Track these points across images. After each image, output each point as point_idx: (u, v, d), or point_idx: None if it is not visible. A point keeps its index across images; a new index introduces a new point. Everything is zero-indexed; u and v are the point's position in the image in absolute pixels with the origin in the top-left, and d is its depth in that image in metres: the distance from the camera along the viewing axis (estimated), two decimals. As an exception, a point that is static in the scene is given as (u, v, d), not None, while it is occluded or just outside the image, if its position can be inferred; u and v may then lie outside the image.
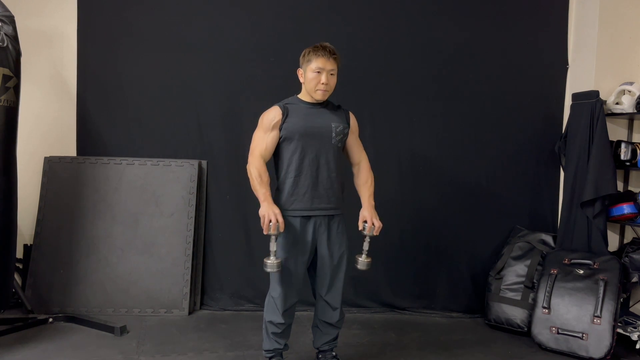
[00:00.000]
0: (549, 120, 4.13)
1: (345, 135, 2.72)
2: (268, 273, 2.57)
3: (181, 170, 3.88)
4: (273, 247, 2.53)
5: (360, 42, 3.96)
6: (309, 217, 2.64)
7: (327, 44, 2.64)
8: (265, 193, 2.55)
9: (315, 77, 2.59)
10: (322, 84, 2.59)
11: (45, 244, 3.69)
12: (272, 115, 2.64)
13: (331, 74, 2.61)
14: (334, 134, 2.66)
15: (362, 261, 2.69)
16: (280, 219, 2.49)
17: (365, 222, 2.69)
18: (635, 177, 3.95)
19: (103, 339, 3.22)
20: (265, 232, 2.49)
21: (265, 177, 2.59)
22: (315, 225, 2.65)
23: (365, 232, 2.68)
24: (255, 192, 2.57)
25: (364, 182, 2.77)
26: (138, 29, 3.87)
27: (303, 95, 2.70)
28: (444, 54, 4.04)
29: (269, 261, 2.53)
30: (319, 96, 2.63)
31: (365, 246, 2.70)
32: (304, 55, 2.65)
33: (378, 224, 2.67)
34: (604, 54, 3.87)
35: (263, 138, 2.63)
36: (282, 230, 2.50)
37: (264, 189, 2.55)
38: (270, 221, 2.47)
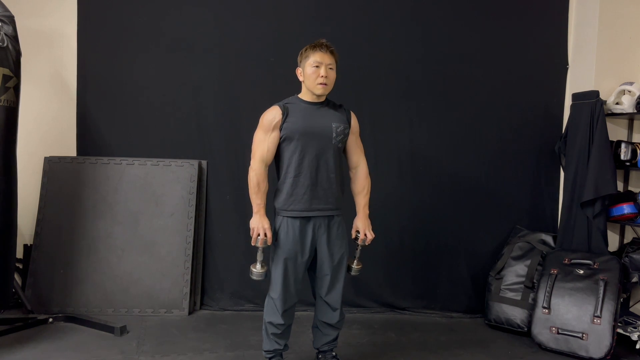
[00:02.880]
0: (549, 120, 4.13)
1: (346, 135, 2.71)
2: (256, 279, 2.67)
3: (181, 170, 3.88)
4: (260, 257, 2.64)
5: (360, 42, 3.95)
6: (308, 218, 2.64)
7: (324, 40, 2.65)
8: (260, 204, 2.61)
9: (314, 71, 2.59)
10: (322, 76, 2.58)
11: (45, 244, 3.70)
12: (271, 115, 2.63)
13: (330, 68, 2.61)
14: (334, 134, 2.65)
15: (354, 268, 2.80)
16: (269, 234, 2.61)
17: (358, 232, 2.77)
18: (635, 177, 3.95)
19: (103, 339, 3.22)
20: (253, 244, 2.60)
21: (264, 186, 2.63)
22: (315, 226, 2.65)
23: (358, 242, 2.78)
24: (251, 200, 2.63)
25: (360, 190, 2.79)
26: (138, 29, 3.87)
27: (303, 95, 2.70)
28: (444, 53, 4.04)
29: (255, 270, 2.64)
30: (320, 90, 2.62)
31: (357, 254, 2.80)
32: (301, 53, 2.66)
33: (371, 235, 2.77)
34: (604, 54, 3.87)
35: (264, 140, 2.62)
36: (269, 244, 2.61)
37: (259, 200, 2.62)
38: (258, 235, 2.58)
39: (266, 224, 2.59)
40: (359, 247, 2.78)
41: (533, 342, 3.37)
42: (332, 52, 2.62)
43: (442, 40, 4.04)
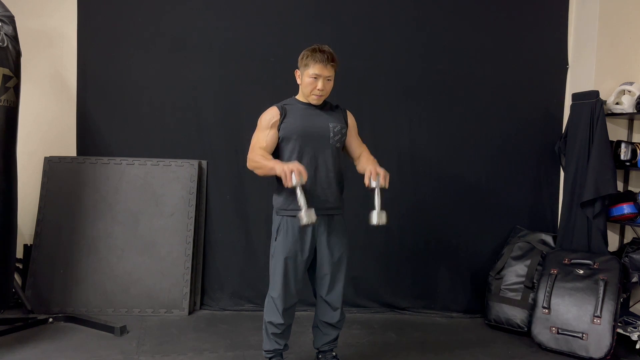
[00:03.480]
0: (549, 120, 4.13)
1: (344, 135, 2.72)
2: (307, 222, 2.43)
3: (181, 170, 3.88)
4: (302, 198, 2.42)
5: (360, 41, 3.95)
6: (308, 217, 2.63)
7: (326, 48, 2.62)
8: (275, 161, 2.52)
9: (311, 82, 2.60)
10: (318, 89, 2.60)
11: (45, 244, 3.69)
12: (270, 115, 2.65)
13: (327, 80, 2.61)
14: (331, 134, 2.66)
15: (376, 214, 2.52)
16: (301, 167, 2.44)
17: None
18: (635, 177, 3.95)
19: (103, 339, 3.22)
20: (290, 185, 2.42)
21: (269, 155, 2.58)
22: (315, 225, 2.65)
23: (373, 185, 2.55)
24: (265, 170, 2.53)
25: (366, 159, 2.72)
26: (138, 29, 3.87)
27: (300, 96, 2.71)
28: (444, 53, 4.04)
29: (302, 214, 2.41)
30: (314, 101, 2.66)
31: (376, 200, 2.55)
32: (302, 58, 2.64)
33: (383, 171, 2.57)
34: (604, 54, 3.87)
35: (262, 136, 2.63)
36: (305, 178, 2.43)
37: (272, 161, 2.53)
38: (292, 171, 2.41)
39: (292, 163, 2.46)
40: (377, 192, 2.54)
41: (533, 342, 3.36)
42: (332, 65, 2.60)
43: (442, 40, 4.04)
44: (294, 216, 2.62)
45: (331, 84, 2.65)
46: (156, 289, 3.72)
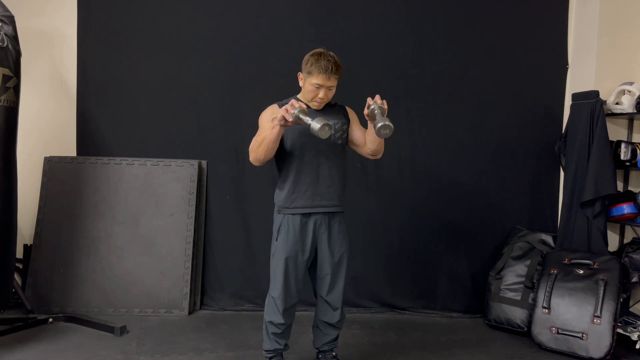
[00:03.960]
0: (549, 120, 4.13)
1: (345, 131, 2.72)
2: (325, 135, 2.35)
3: (181, 170, 3.88)
4: (308, 119, 2.36)
5: (360, 42, 3.95)
6: (309, 215, 2.64)
7: (332, 55, 2.57)
8: (269, 128, 2.47)
9: (313, 90, 2.59)
10: (319, 98, 2.60)
11: (45, 244, 3.69)
12: (270, 112, 2.66)
13: (329, 89, 2.60)
14: (333, 131, 2.66)
15: (381, 123, 2.40)
16: (293, 101, 2.41)
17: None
18: (635, 177, 3.95)
19: (103, 339, 3.22)
20: (291, 119, 2.35)
21: None
22: (316, 223, 2.65)
23: (372, 106, 2.46)
24: (267, 141, 2.46)
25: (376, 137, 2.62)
26: (138, 29, 3.87)
27: (302, 97, 2.71)
28: (444, 53, 4.04)
29: (314, 122, 2.33)
30: (314, 107, 2.66)
31: (377, 113, 2.45)
32: (306, 63, 2.60)
33: (377, 95, 2.51)
34: (604, 53, 3.87)
35: (264, 129, 2.59)
36: (303, 106, 2.39)
37: (266, 130, 2.48)
38: (286, 110, 2.37)
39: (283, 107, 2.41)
40: (377, 112, 2.45)
41: (533, 342, 3.37)
42: (335, 76, 2.57)
43: (441, 40, 4.04)
44: (295, 214, 2.62)
45: (333, 91, 2.64)
46: (156, 289, 3.72)
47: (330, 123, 2.39)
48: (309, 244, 2.65)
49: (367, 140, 2.69)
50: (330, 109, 2.74)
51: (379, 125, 2.41)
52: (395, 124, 3.92)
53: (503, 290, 3.70)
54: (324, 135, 2.35)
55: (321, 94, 2.59)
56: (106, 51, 3.86)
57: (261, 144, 2.51)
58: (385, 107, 2.50)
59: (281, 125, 2.42)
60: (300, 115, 2.37)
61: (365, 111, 2.51)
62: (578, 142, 3.71)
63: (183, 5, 3.89)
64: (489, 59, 4.08)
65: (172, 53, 3.88)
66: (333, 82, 2.59)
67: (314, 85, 2.57)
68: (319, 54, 2.58)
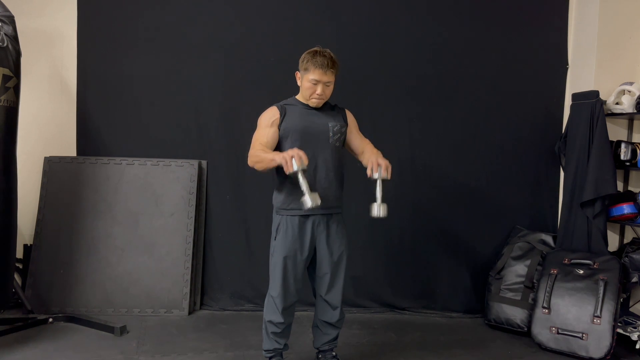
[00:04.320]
0: (549, 120, 4.13)
1: (343, 134, 2.72)
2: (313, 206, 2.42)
3: (181, 170, 3.88)
4: (304, 183, 2.41)
5: (360, 42, 3.95)
6: (307, 216, 2.64)
7: (327, 52, 2.61)
8: (274, 152, 2.50)
9: (311, 87, 2.60)
10: (317, 94, 2.60)
11: (45, 244, 3.69)
12: (270, 114, 2.66)
13: (327, 85, 2.61)
14: (331, 134, 2.66)
15: (377, 205, 2.51)
16: (302, 152, 2.42)
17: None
18: (635, 177, 3.95)
19: (103, 339, 3.22)
20: (291, 170, 2.39)
21: (269, 150, 2.56)
22: (314, 224, 2.65)
23: (375, 176, 2.54)
24: (265, 163, 2.50)
25: (370, 151, 2.71)
26: (138, 29, 3.87)
27: (300, 97, 2.71)
28: (444, 53, 4.04)
29: (306, 198, 2.40)
30: (313, 104, 2.66)
31: (378, 192, 2.54)
32: (302, 61, 2.63)
33: (384, 161, 2.55)
34: (604, 53, 3.87)
35: (263, 134, 2.63)
36: (306, 162, 2.41)
37: (271, 153, 2.51)
38: (292, 157, 2.39)
39: (292, 149, 2.43)
40: (379, 184, 2.53)
41: (533, 342, 3.37)
42: (332, 71, 2.59)
43: (441, 40, 4.03)
44: (293, 215, 2.62)
45: (331, 88, 2.65)
46: (156, 288, 3.72)
47: (319, 205, 2.43)
48: (308, 243, 2.65)
49: (362, 160, 2.74)
50: (330, 110, 2.74)
51: (374, 212, 2.52)
52: (396, 124, 4.00)
53: (503, 290, 3.70)
54: (307, 206, 2.42)
55: (319, 90, 2.59)
56: (106, 51, 3.86)
57: (260, 162, 2.54)
58: (389, 175, 2.54)
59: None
60: (300, 176, 2.41)
61: (369, 174, 2.55)
62: (578, 142, 3.70)
63: (183, 5, 3.89)
64: (489, 59, 4.07)
65: (172, 53, 3.88)
66: (330, 78, 2.60)
67: (311, 81, 2.58)
68: (314, 51, 2.61)
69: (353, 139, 2.78)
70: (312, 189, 2.60)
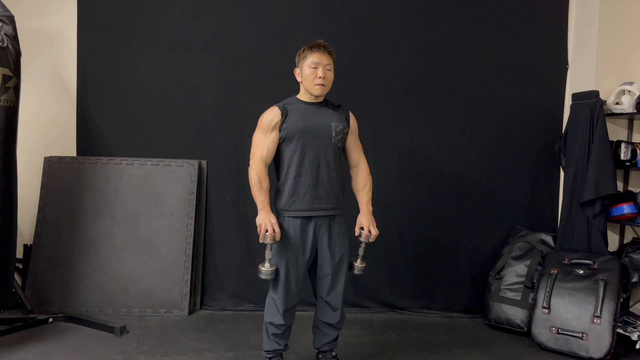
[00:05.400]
0: (549, 120, 4.13)
1: (345, 135, 2.71)
2: (265, 278, 2.61)
3: (181, 170, 3.88)
4: (268, 255, 2.59)
5: (360, 41, 3.95)
6: (309, 218, 2.64)
7: (321, 40, 2.65)
8: (264, 201, 2.58)
9: (312, 72, 2.60)
10: (320, 77, 2.59)
11: (45, 244, 3.69)
12: (271, 116, 2.63)
13: (327, 69, 2.61)
14: (333, 134, 2.65)
15: (358, 266, 2.76)
16: (277, 229, 2.55)
17: (362, 229, 2.74)
18: (635, 177, 3.95)
19: (103, 339, 3.22)
20: (261, 241, 2.55)
21: (265, 183, 2.61)
22: (316, 226, 2.65)
23: (362, 240, 2.74)
24: (254, 198, 2.61)
25: (362, 187, 2.78)
26: (138, 29, 3.87)
27: (302, 95, 2.70)
28: (444, 53, 4.04)
29: (263, 268, 2.58)
30: (317, 91, 2.62)
31: (361, 252, 2.77)
32: (299, 54, 2.66)
33: (375, 232, 2.73)
34: (604, 54, 3.87)
35: (263, 141, 2.62)
36: (277, 239, 2.56)
37: (263, 196, 2.59)
38: (267, 231, 2.53)
39: (273, 219, 2.55)
40: (363, 245, 2.75)
41: (533, 342, 3.37)
42: (329, 53, 2.62)
43: (442, 40, 4.03)
44: (295, 217, 2.62)
45: (331, 74, 2.64)
46: (156, 289, 3.72)
47: (271, 277, 2.60)
48: (309, 245, 2.65)
49: (353, 180, 2.83)
50: (333, 109, 2.73)
51: (355, 270, 2.78)
52: (396, 124, 4.00)
53: (503, 290, 3.70)
54: (260, 276, 2.59)
55: (320, 73, 2.58)
56: (106, 51, 3.86)
57: (252, 191, 2.62)
58: (373, 240, 2.76)
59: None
60: (267, 249, 2.58)
61: (357, 232, 2.76)
62: (578, 142, 3.71)
63: (183, 5, 3.89)
64: (489, 59, 4.08)
65: (172, 53, 3.88)
66: (329, 60, 2.61)
67: (311, 66, 2.59)
68: (308, 44, 2.65)
69: (350, 145, 2.78)
70: (315, 189, 2.61)
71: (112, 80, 3.87)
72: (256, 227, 3.80)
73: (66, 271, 3.67)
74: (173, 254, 3.77)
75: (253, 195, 2.61)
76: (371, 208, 2.78)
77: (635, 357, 3.23)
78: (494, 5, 4.09)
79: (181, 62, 3.89)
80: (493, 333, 3.63)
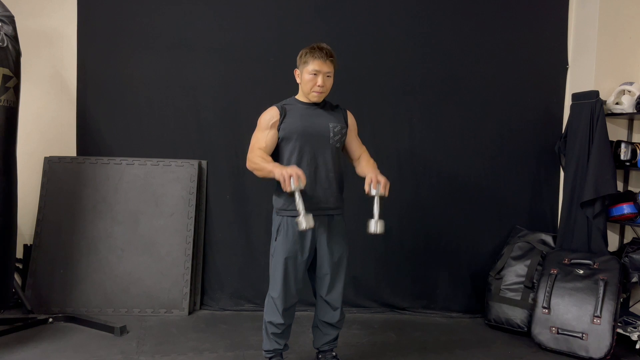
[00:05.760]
0: (549, 120, 4.13)
1: (344, 135, 2.72)
2: (307, 227, 2.44)
3: (181, 170, 3.88)
4: (300, 203, 2.43)
5: (360, 41, 3.96)
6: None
7: (324, 45, 2.63)
8: (274, 164, 2.53)
9: (311, 79, 2.60)
10: (318, 86, 2.60)
11: (45, 244, 3.70)
12: (269, 115, 2.65)
13: (327, 76, 2.61)
14: (331, 134, 2.66)
15: (374, 222, 2.51)
16: (300, 172, 2.44)
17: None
18: (635, 177, 3.95)
19: (103, 339, 3.22)
20: (288, 189, 2.42)
21: (268, 157, 2.58)
22: (315, 225, 2.65)
23: (373, 193, 2.54)
24: (264, 173, 2.53)
25: (367, 163, 2.74)
26: (138, 29, 3.87)
27: (300, 96, 2.71)
28: (444, 53, 4.04)
29: (301, 218, 2.42)
30: (315, 98, 2.65)
31: (376, 208, 2.54)
32: (300, 56, 2.65)
33: (383, 179, 2.55)
34: (604, 54, 3.87)
35: (262, 137, 2.63)
36: (304, 183, 2.43)
37: (271, 163, 2.53)
38: (290, 176, 2.41)
39: (291, 167, 2.47)
40: (377, 200, 2.53)
41: (533, 342, 3.37)
42: (331, 61, 2.61)
43: (442, 40, 4.03)
44: (294, 217, 2.62)
45: (331, 80, 2.65)
46: (156, 289, 3.72)
47: (312, 227, 2.44)
48: (308, 244, 2.65)
49: (357, 168, 2.77)
50: (332, 110, 2.73)
51: (371, 229, 2.51)
52: (395, 124, 3.99)
53: (503, 290, 3.70)
54: (300, 227, 2.43)
55: (319, 81, 2.59)
56: (106, 51, 3.86)
57: (259, 171, 2.56)
58: (387, 192, 2.55)
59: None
60: (297, 196, 2.43)
61: (367, 190, 2.55)
62: (578, 142, 3.70)
63: (183, 5, 3.89)
64: (489, 59, 4.07)
65: (172, 53, 3.88)
66: (329, 68, 2.60)
67: (311, 73, 2.59)
68: (311, 46, 2.62)
69: (351, 143, 2.79)
70: (313, 189, 2.61)
71: (112, 80, 3.87)
72: (256, 227, 3.88)
73: (66, 271, 3.67)
74: (173, 254, 3.77)
75: (262, 170, 2.53)
76: (374, 163, 2.72)
77: (635, 357, 3.23)
78: (494, 5, 4.08)
79: (181, 62, 3.89)
80: (493, 333, 3.63)
